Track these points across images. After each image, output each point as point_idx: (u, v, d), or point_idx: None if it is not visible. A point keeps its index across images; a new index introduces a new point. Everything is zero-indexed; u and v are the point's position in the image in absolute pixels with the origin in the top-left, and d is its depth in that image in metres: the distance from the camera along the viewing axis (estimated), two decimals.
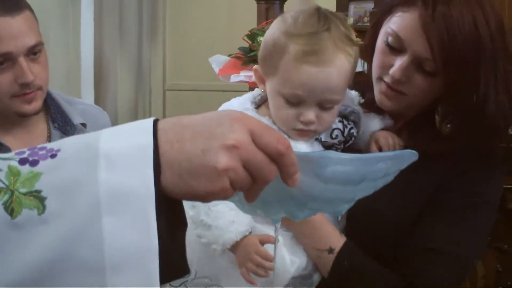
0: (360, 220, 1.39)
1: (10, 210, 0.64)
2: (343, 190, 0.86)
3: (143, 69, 4.60)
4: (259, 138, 0.71)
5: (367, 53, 1.48)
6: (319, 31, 1.28)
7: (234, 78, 2.85)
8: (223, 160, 0.68)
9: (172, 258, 0.70)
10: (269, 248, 1.31)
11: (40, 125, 1.89)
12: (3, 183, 0.66)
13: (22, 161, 0.68)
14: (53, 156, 0.68)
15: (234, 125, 0.70)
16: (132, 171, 0.66)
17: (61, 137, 1.85)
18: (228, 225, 1.31)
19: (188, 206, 1.31)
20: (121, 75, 4.37)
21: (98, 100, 4.15)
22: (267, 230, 1.35)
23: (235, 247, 1.32)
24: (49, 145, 0.70)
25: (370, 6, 3.67)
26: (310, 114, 1.31)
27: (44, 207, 0.64)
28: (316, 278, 1.40)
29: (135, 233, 0.65)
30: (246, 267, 1.30)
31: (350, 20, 3.76)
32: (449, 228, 1.36)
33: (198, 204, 1.32)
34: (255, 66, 1.39)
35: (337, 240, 1.38)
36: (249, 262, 1.30)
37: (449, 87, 1.34)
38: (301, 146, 1.36)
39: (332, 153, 0.82)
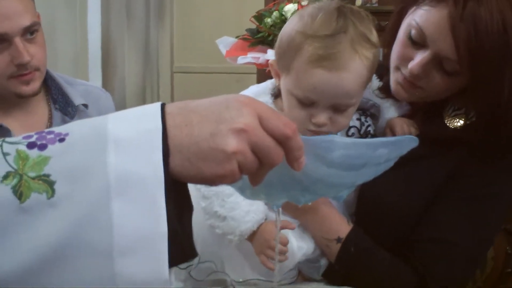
0: (369, 209, 1.39)
1: (19, 194, 0.65)
2: (345, 175, 0.87)
3: (150, 51, 4.59)
4: (267, 122, 0.72)
5: (386, 39, 1.46)
6: (335, 34, 1.23)
7: (241, 59, 2.83)
8: (232, 143, 0.69)
9: (180, 242, 0.71)
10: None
11: (41, 106, 1.89)
12: (12, 167, 0.66)
13: (30, 145, 0.68)
14: (61, 140, 0.68)
15: (242, 109, 0.71)
16: (141, 155, 0.67)
17: (62, 118, 1.86)
18: (244, 215, 1.30)
19: (200, 197, 1.31)
20: (129, 58, 4.36)
21: (106, 83, 4.14)
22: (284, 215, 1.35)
23: (251, 236, 1.32)
24: (57, 129, 0.70)
25: None
26: (322, 116, 1.27)
27: (53, 191, 0.65)
28: (324, 262, 1.40)
29: (144, 217, 0.66)
30: (265, 254, 1.30)
31: (358, 1, 3.73)
32: (460, 218, 1.35)
33: (211, 195, 1.32)
34: (271, 61, 1.36)
35: (346, 230, 1.37)
36: (268, 249, 1.29)
37: (472, 87, 1.31)
38: None
39: (336, 137, 0.83)
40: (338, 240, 1.35)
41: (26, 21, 1.70)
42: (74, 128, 0.70)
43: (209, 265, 1.36)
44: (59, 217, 0.64)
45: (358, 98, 1.30)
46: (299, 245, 1.33)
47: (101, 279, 0.65)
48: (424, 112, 1.43)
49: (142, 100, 4.49)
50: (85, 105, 1.92)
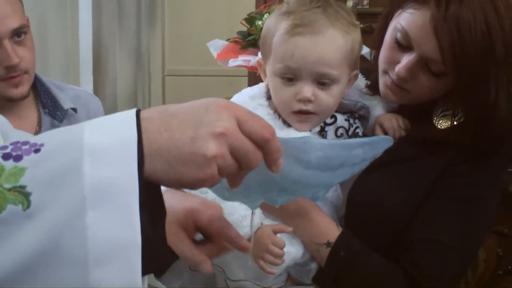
0: (359, 211, 1.39)
1: None
2: (322, 175, 0.89)
3: (142, 54, 4.58)
4: (245, 125, 0.73)
5: (375, 42, 1.47)
6: (311, 8, 1.28)
7: (232, 62, 2.83)
8: (212, 147, 0.70)
9: (155, 248, 0.72)
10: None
11: (31, 110, 1.89)
12: None
13: (6, 156, 0.68)
14: (36, 151, 0.68)
15: (221, 113, 0.72)
16: (116, 165, 0.67)
17: (51, 122, 1.87)
18: (241, 220, 1.30)
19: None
20: (120, 61, 4.35)
21: (97, 86, 4.12)
22: (275, 220, 1.35)
23: (249, 241, 1.31)
24: (32, 139, 0.70)
25: None
26: (306, 90, 1.29)
27: (29, 202, 0.65)
28: (314, 266, 1.40)
29: (119, 227, 0.66)
30: (264, 259, 1.30)
31: (350, 3, 3.73)
32: (450, 218, 1.35)
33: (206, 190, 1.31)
34: (258, 59, 1.38)
35: (335, 234, 1.37)
36: (266, 253, 1.29)
37: (457, 89, 1.31)
38: None
39: (313, 138, 0.86)
40: (328, 244, 1.35)
41: (14, 24, 1.70)
42: (49, 138, 0.70)
43: None
44: (35, 228, 0.64)
45: (341, 74, 1.31)
46: (288, 250, 1.33)
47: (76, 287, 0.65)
48: (412, 112, 1.43)
49: (134, 103, 4.48)
50: (74, 109, 1.92)
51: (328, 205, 1.40)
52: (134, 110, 0.72)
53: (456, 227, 1.34)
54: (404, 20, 1.33)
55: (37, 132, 1.85)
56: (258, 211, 1.33)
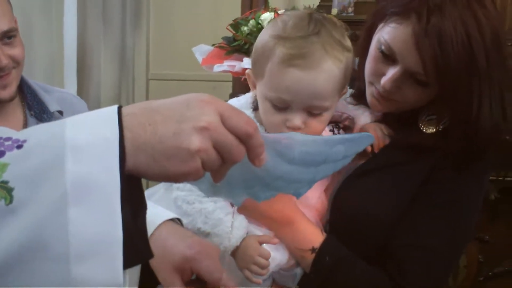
0: (344, 217, 1.39)
1: None
2: (305, 171, 0.90)
3: (126, 58, 4.57)
4: (229, 120, 0.74)
5: (359, 51, 1.47)
6: (307, 35, 1.25)
7: (217, 68, 2.83)
8: (196, 141, 0.71)
9: (135, 243, 0.73)
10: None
11: (17, 112, 1.89)
12: None
13: None
14: (19, 147, 0.69)
15: (204, 108, 0.73)
16: (98, 162, 0.68)
17: (37, 124, 1.85)
18: (227, 231, 1.31)
19: (181, 214, 1.31)
20: (105, 64, 4.34)
21: (81, 89, 4.11)
22: (259, 231, 1.36)
23: (235, 251, 1.33)
24: (15, 135, 0.71)
25: None
26: (296, 120, 1.27)
27: (11, 197, 0.65)
28: (299, 271, 1.40)
29: (100, 223, 0.67)
30: (250, 270, 1.31)
31: (334, 11, 3.75)
32: (434, 224, 1.36)
33: (193, 212, 1.33)
34: (248, 71, 1.37)
35: (320, 240, 1.37)
36: (252, 264, 1.30)
37: (441, 99, 1.33)
38: None
39: (296, 135, 0.87)
40: (313, 250, 1.35)
41: (3, 26, 1.70)
42: (32, 134, 0.71)
43: None
44: (17, 223, 0.65)
45: (332, 103, 1.30)
46: (273, 256, 1.33)
47: (58, 283, 0.66)
48: (397, 119, 1.44)
49: None
50: (60, 112, 1.91)
51: (312, 211, 1.41)
52: (115, 107, 0.73)
53: (439, 233, 1.35)
54: (387, 34, 1.34)
55: None
56: (242, 220, 1.33)
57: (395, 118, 1.44)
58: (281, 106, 1.27)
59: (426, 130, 1.40)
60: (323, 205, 1.42)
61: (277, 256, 1.35)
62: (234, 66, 2.79)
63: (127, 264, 0.69)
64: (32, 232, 0.65)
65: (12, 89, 1.78)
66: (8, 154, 0.68)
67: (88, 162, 0.68)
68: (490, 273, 3.08)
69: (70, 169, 0.67)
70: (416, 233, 1.36)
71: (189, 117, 0.72)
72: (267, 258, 1.30)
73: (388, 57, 1.35)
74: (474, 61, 1.26)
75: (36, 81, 1.98)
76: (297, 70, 1.23)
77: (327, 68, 1.25)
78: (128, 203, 0.69)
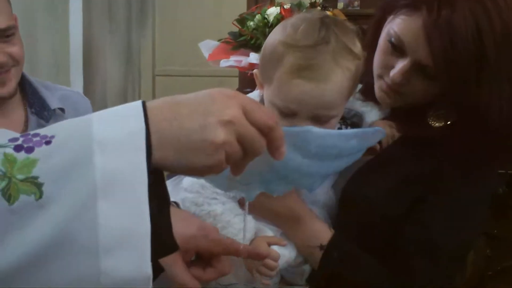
0: (351, 211, 1.39)
1: (8, 196, 0.67)
2: (320, 164, 0.93)
3: (132, 54, 4.58)
4: (251, 114, 0.76)
5: (367, 45, 1.46)
6: (317, 44, 1.22)
7: (224, 63, 2.83)
8: (221, 135, 0.73)
9: (161, 236, 0.75)
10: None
11: (18, 110, 1.89)
12: (0, 170, 0.68)
13: (17, 148, 0.70)
14: (47, 142, 0.70)
15: (228, 102, 0.75)
16: (126, 157, 0.70)
17: (38, 122, 1.87)
18: (236, 233, 1.31)
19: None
20: (111, 61, 4.35)
21: (87, 86, 4.12)
22: (267, 228, 1.36)
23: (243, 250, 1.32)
24: (42, 132, 0.72)
25: None
26: (301, 125, 1.23)
27: (41, 192, 0.67)
28: (307, 268, 1.40)
29: (129, 216, 0.69)
30: (259, 272, 1.30)
31: (340, 5, 3.74)
32: (441, 220, 1.35)
33: (202, 214, 1.32)
34: (255, 71, 1.36)
35: (328, 236, 1.37)
36: (261, 266, 1.30)
37: (450, 92, 1.32)
38: None
39: (313, 128, 0.91)
40: (321, 247, 1.35)
41: (2, 24, 1.71)
42: (59, 130, 0.72)
43: None
44: (47, 217, 0.66)
45: (339, 110, 1.29)
46: (281, 253, 1.33)
47: (87, 276, 0.68)
48: (405, 113, 1.43)
49: (124, 103, 4.40)
50: (62, 109, 1.92)
51: (320, 208, 1.40)
52: (139, 102, 0.75)
53: (447, 228, 1.35)
54: (397, 26, 1.33)
55: (24, 131, 1.84)
56: (251, 221, 1.33)
57: (404, 115, 1.43)
58: (288, 113, 1.26)
59: (434, 124, 1.39)
60: (331, 201, 1.41)
61: (285, 253, 1.35)
62: (240, 61, 2.78)
63: (153, 256, 0.70)
64: (62, 226, 0.67)
65: (11, 86, 1.79)
66: (37, 149, 0.69)
67: (116, 157, 0.69)
68: (499, 268, 3.07)
69: (98, 164, 0.68)
70: (424, 229, 1.35)
71: (214, 111, 0.74)
72: (276, 260, 1.29)
73: (397, 49, 1.34)
74: (483, 55, 1.25)
75: (37, 79, 1.98)
76: (305, 82, 1.21)
77: (336, 80, 1.23)
78: (154, 197, 0.71)
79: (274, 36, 1.29)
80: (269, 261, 1.29)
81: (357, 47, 1.28)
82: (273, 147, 0.80)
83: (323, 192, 1.40)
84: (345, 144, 0.93)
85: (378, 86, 1.41)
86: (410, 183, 1.37)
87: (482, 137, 1.32)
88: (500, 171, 1.57)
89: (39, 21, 3.70)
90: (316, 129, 0.88)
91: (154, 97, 4.83)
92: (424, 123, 1.40)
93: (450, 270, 1.38)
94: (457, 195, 1.36)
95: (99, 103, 4.17)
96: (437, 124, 1.39)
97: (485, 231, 2.91)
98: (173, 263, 1.02)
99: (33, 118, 1.88)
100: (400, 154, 1.40)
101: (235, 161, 0.78)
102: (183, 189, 1.35)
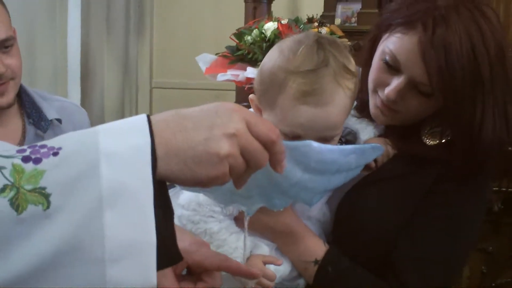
0: (347, 228, 1.39)
1: (16, 206, 0.68)
2: (319, 179, 0.94)
3: (130, 66, 4.59)
4: (254, 127, 0.78)
5: (362, 62, 1.47)
6: (318, 68, 1.22)
7: (221, 77, 2.84)
8: (225, 147, 0.75)
9: (166, 247, 0.76)
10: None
11: (15, 120, 1.90)
12: (8, 180, 0.69)
13: (25, 159, 0.71)
14: (55, 154, 0.71)
15: (232, 115, 0.77)
16: (132, 168, 0.71)
17: (35, 132, 1.87)
18: (231, 251, 1.31)
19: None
20: (108, 72, 4.36)
21: (84, 97, 4.13)
22: (265, 246, 1.36)
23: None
24: (49, 143, 0.73)
25: (357, 6, 3.68)
26: None
27: (49, 203, 0.68)
28: (302, 282, 1.40)
29: (135, 227, 0.70)
30: None
31: (338, 21, 3.76)
32: (436, 237, 1.35)
33: (199, 232, 1.33)
34: (251, 96, 1.35)
35: (323, 252, 1.37)
36: (256, 284, 1.30)
37: (445, 110, 1.33)
38: None
39: (313, 143, 0.90)
40: (316, 262, 1.35)
41: (1, 34, 1.71)
42: (66, 142, 0.74)
43: None
44: (54, 227, 0.68)
45: (341, 129, 1.31)
46: (276, 268, 1.33)
47: (93, 286, 0.69)
48: (400, 132, 1.44)
49: (121, 114, 4.48)
50: (59, 120, 1.92)
51: (314, 223, 1.41)
52: (144, 115, 0.76)
53: (441, 245, 1.35)
54: (392, 44, 1.34)
55: (21, 142, 1.86)
56: (249, 241, 1.33)
57: (398, 132, 1.44)
58: (293, 137, 1.26)
59: (429, 142, 1.40)
60: (325, 217, 1.42)
61: (279, 268, 1.35)
62: (237, 75, 2.80)
63: (158, 267, 0.72)
64: (69, 236, 0.68)
65: (10, 96, 1.80)
66: (44, 161, 0.71)
67: (122, 169, 0.71)
68: (493, 284, 3.07)
69: (104, 175, 0.70)
70: (417, 245, 1.35)
71: (219, 124, 0.76)
72: (271, 280, 1.30)
73: (392, 67, 1.35)
74: (478, 73, 1.26)
75: (35, 89, 1.99)
76: (311, 108, 1.22)
77: (340, 101, 1.24)
78: (158, 208, 0.72)
79: (272, 61, 1.28)
80: (264, 281, 1.29)
81: (352, 64, 1.29)
82: (274, 161, 0.82)
83: (318, 208, 1.41)
84: (344, 160, 0.94)
85: (373, 103, 1.42)
86: (405, 200, 1.37)
87: (475, 153, 1.32)
88: (495, 188, 1.57)
89: (37, 32, 3.71)
90: (315, 144, 0.90)
91: (151, 109, 4.84)
92: (419, 141, 1.40)
93: (442, 286, 1.38)
94: (450, 212, 1.36)
95: (96, 114, 4.17)
96: (431, 142, 1.39)
97: (480, 247, 2.91)
98: (164, 275, 1.02)
99: (30, 128, 1.89)
100: (395, 171, 1.40)
101: (238, 174, 0.79)
102: (180, 206, 1.35)
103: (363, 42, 1.53)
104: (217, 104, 0.79)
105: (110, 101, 4.40)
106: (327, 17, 3.61)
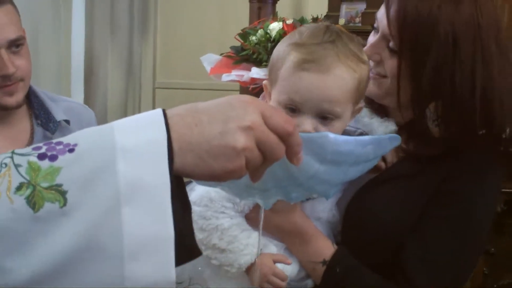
0: (356, 228, 1.39)
1: (33, 204, 0.68)
2: (336, 171, 0.93)
3: (133, 66, 4.59)
4: (270, 119, 0.78)
5: None
6: (322, 42, 1.25)
7: (226, 77, 2.84)
8: (241, 140, 0.75)
9: (184, 242, 0.75)
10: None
11: (24, 121, 1.90)
12: (24, 178, 0.69)
13: (41, 156, 0.71)
14: (71, 150, 0.71)
15: (247, 108, 0.77)
16: (148, 163, 0.71)
17: (44, 133, 1.88)
18: (242, 248, 1.32)
19: (197, 230, 1.31)
20: (112, 73, 4.36)
21: (88, 97, 4.13)
22: (273, 246, 1.38)
23: (249, 268, 1.33)
24: (65, 140, 0.73)
25: (362, 6, 3.67)
26: (307, 124, 1.25)
27: (65, 200, 0.68)
28: (310, 282, 1.41)
29: (153, 222, 0.70)
30: (270, 283, 1.32)
31: (342, 21, 3.76)
32: (444, 237, 1.35)
33: (209, 228, 1.33)
34: (265, 82, 1.37)
35: (331, 252, 1.38)
36: (266, 283, 1.31)
37: (411, 69, 1.34)
38: None
39: (330, 134, 0.90)
40: (324, 263, 1.36)
41: (11, 34, 1.72)
42: (82, 138, 0.74)
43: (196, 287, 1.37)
44: (71, 224, 0.68)
45: (344, 111, 1.29)
46: (284, 269, 1.34)
47: (111, 281, 0.69)
48: (408, 130, 1.44)
49: (124, 114, 4.48)
50: (67, 121, 1.93)
51: (323, 224, 1.41)
52: (160, 110, 0.76)
53: (449, 246, 1.35)
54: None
55: (29, 143, 1.86)
56: (257, 237, 1.34)
57: (407, 131, 1.44)
58: (293, 108, 1.27)
59: (434, 133, 1.40)
60: (334, 218, 1.42)
61: (288, 269, 1.35)
62: (242, 75, 2.80)
63: (177, 262, 0.72)
64: (87, 233, 0.68)
65: (19, 97, 1.80)
66: (60, 158, 0.71)
67: (139, 164, 0.71)
68: (495, 285, 3.07)
69: (121, 171, 0.69)
70: (426, 246, 1.36)
71: (234, 117, 0.75)
72: (282, 279, 1.31)
73: (376, 30, 1.42)
74: (436, 28, 1.29)
75: (44, 90, 1.99)
76: (308, 73, 1.24)
77: (339, 74, 1.25)
78: (176, 203, 0.72)
79: (282, 43, 1.33)
80: (274, 279, 1.30)
81: (363, 54, 1.31)
82: (291, 153, 0.81)
83: (327, 209, 1.41)
84: (361, 151, 0.93)
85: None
86: (414, 200, 1.38)
87: (472, 128, 1.33)
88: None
89: (41, 31, 3.71)
90: (332, 135, 0.90)
91: (154, 109, 4.82)
92: (427, 140, 1.40)
93: (454, 287, 1.38)
94: (459, 212, 1.36)
95: (99, 115, 4.16)
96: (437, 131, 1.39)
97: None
98: None
99: (38, 130, 1.89)
100: (403, 171, 1.41)
101: (255, 167, 0.78)
102: (191, 202, 1.35)
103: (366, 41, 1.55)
104: (231, 97, 0.79)
105: (114, 101, 4.40)
106: (331, 17, 3.61)
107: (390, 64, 1.38)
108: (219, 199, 1.33)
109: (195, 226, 1.31)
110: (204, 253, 1.33)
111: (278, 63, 1.29)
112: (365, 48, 1.38)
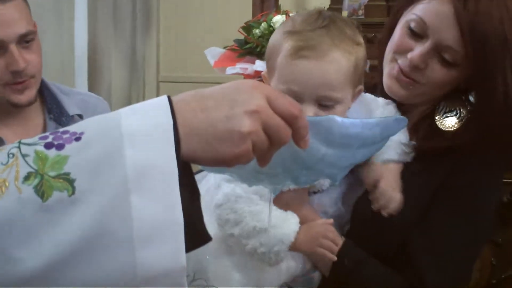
0: (363, 224, 1.39)
1: (41, 194, 0.68)
2: (343, 154, 0.93)
3: (137, 60, 4.58)
4: (275, 103, 0.78)
5: (381, 39, 1.47)
6: (316, 28, 1.26)
7: (230, 70, 2.85)
8: (247, 124, 0.75)
9: (194, 227, 0.75)
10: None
11: (36, 116, 1.89)
12: (32, 167, 0.69)
13: (48, 146, 0.71)
14: (77, 139, 0.72)
15: (252, 92, 0.77)
16: (155, 148, 0.71)
17: (56, 128, 1.85)
18: (284, 217, 1.31)
19: (230, 227, 1.30)
20: (115, 66, 4.36)
21: (91, 91, 4.07)
22: None
23: (294, 242, 1.32)
24: (72, 128, 0.74)
25: None
26: (308, 112, 1.26)
27: (73, 188, 0.68)
28: (317, 275, 1.40)
29: (162, 208, 0.70)
30: (323, 246, 1.32)
31: (344, 13, 3.74)
32: (451, 230, 1.36)
33: (243, 217, 1.31)
34: (263, 72, 1.38)
35: (339, 244, 1.37)
36: (324, 239, 1.32)
37: (472, 79, 1.32)
38: None
39: (336, 117, 0.90)
40: None
41: (22, 29, 1.71)
42: (88, 126, 0.74)
43: (200, 282, 1.36)
44: (80, 213, 0.68)
45: (344, 96, 1.30)
46: (289, 265, 1.33)
47: (123, 269, 0.69)
48: (414, 126, 1.43)
49: None
50: (80, 116, 1.91)
51: (330, 217, 1.40)
52: (165, 96, 0.76)
53: (456, 237, 1.35)
54: (419, 10, 1.35)
55: None
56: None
57: (413, 125, 1.43)
58: (292, 98, 1.26)
59: (443, 126, 1.39)
60: (339, 211, 1.42)
61: (292, 265, 1.35)
62: (246, 68, 2.80)
63: (187, 247, 0.72)
64: (96, 220, 0.68)
65: (31, 93, 1.78)
66: (67, 146, 0.71)
67: (146, 149, 0.71)
68: (503, 276, 3.06)
69: (129, 156, 0.70)
70: (433, 238, 1.36)
71: (240, 102, 0.75)
72: (333, 241, 1.32)
73: (416, 34, 1.35)
74: (506, 41, 1.27)
75: (56, 84, 1.98)
76: (305, 61, 1.25)
77: (335, 59, 1.25)
78: (184, 188, 0.72)
79: (276, 32, 1.34)
80: (329, 234, 1.32)
81: (357, 36, 1.31)
82: (298, 136, 0.81)
83: (333, 203, 1.41)
84: (368, 133, 0.93)
85: (388, 72, 1.41)
86: (420, 193, 1.37)
87: (495, 131, 1.32)
88: (504, 179, 1.57)
89: (44, 26, 3.71)
90: (338, 118, 0.90)
91: None
92: (433, 133, 1.39)
93: (459, 278, 1.38)
94: (465, 204, 1.36)
95: None
96: (448, 125, 1.38)
97: (490, 239, 2.91)
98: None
99: (51, 124, 1.88)
100: (410, 165, 1.40)
101: (262, 151, 0.78)
102: (216, 205, 1.33)
103: (370, 35, 1.53)
104: (237, 82, 0.80)
105: (117, 95, 4.40)
106: (334, 10, 3.58)
107: (438, 74, 1.35)
108: (246, 193, 1.31)
109: (226, 227, 1.31)
110: (247, 248, 1.31)
111: (274, 52, 1.30)
112: (414, 56, 1.34)
